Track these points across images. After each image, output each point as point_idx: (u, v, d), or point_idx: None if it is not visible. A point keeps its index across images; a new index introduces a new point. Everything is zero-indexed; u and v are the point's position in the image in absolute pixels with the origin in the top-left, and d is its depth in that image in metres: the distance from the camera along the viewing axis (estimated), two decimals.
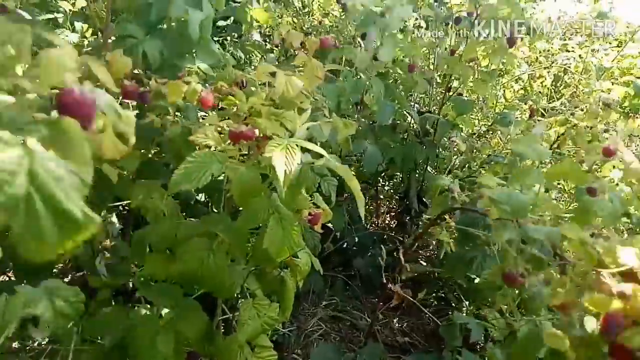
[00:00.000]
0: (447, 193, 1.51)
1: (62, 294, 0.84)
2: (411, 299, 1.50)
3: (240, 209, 0.95)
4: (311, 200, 1.14)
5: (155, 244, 1.03)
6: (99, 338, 1.29)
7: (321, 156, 0.89)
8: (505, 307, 1.56)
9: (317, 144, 0.91)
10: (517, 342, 1.25)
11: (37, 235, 0.34)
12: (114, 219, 1.27)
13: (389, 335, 2.02)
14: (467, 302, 1.99)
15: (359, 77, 1.75)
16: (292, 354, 1.82)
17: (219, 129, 0.98)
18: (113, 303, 1.32)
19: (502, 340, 1.48)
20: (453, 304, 2.08)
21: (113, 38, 1.53)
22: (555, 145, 2.19)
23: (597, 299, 0.65)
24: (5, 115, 0.39)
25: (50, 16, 1.53)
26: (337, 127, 1.02)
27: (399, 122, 2.09)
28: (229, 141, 0.96)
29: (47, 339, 1.50)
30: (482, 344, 1.72)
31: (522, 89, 2.98)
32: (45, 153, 0.36)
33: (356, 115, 1.91)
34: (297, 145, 0.85)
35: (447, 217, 1.64)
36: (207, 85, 0.98)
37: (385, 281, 1.60)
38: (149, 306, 1.16)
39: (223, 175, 1.09)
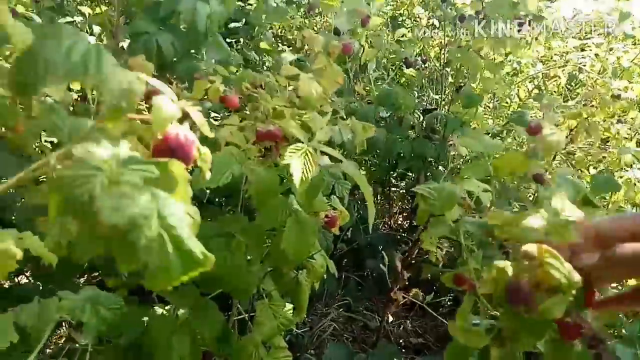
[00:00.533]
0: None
1: (104, 302, 0.86)
2: (417, 301, 1.50)
3: (257, 210, 0.95)
4: (328, 202, 1.14)
5: None
6: (116, 337, 1.31)
7: (339, 161, 0.90)
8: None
9: (335, 147, 0.91)
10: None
11: (165, 271, 0.37)
12: None
13: (402, 335, 2.01)
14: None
15: None
16: (305, 354, 1.82)
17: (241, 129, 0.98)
18: (129, 303, 1.33)
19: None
20: None
21: (126, 40, 1.54)
22: (569, 139, 2.17)
23: (499, 266, 0.58)
24: (121, 156, 0.40)
25: (70, 19, 1.55)
26: (356, 130, 1.02)
27: (403, 115, 2.08)
28: (251, 141, 0.96)
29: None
30: None
31: (536, 87, 2.95)
32: (167, 196, 0.38)
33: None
34: (315, 151, 0.85)
35: None
36: (230, 86, 0.98)
37: (390, 286, 1.61)
38: (164, 306, 1.17)
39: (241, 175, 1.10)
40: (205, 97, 0.97)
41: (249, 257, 1.11)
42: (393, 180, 2.77)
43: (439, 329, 2.06)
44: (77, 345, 1.28)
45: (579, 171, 2.30)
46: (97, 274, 1.66)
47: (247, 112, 0.99)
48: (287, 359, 1.21)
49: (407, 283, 1.69)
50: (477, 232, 0.79)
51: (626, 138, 2.37)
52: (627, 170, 2.14)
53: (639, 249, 0.46)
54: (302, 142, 0.83)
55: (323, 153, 0.92)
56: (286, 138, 0.93)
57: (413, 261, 1.65)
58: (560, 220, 0.55)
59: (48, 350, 1.52)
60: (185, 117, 0.49)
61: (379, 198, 2.77)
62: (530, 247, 0.53)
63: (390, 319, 1.72)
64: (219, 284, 0.96)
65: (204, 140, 1.07)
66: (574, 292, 0.50)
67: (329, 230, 1.13)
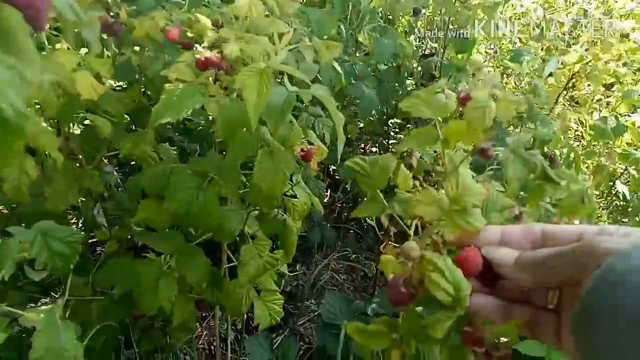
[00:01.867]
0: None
1: (57, 235, 0.84)
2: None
3: (226, 145, 0.92)
4: (304, 137, 1.10)
5: (148, 188, 1.01)
6: (109, 289, 1.32)
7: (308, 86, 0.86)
8: None
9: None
10: None
11: None
12: (109, 168, 1.26)
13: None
14: None
15: None
16: (305, 303, 1.83)
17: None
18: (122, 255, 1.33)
19: None
20: None
21: None
22: (569, 85, 2.09)
23: (383, 258, 0.50)
24: None
25: None
26: (320, 51, 0.97)
27: (402, 63, 2.01)
28: (206, 76, 0.92)
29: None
30: None
31: (537, 26, 2.84)
32: None
33: (354, 58, 1.84)
34: (274, 71, 0.80)
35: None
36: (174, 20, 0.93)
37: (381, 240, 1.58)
38: (156, 256, 1.17)
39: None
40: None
41: (229, 200, 1.10)
42: (392, 133, 2.72)
43: None
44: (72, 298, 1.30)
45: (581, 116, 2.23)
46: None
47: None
48: (279, 301, 1.21)
49: (392, 237, 1.67)
50: (403, 211, 0.64)
51: (631, 83, 2.28)
52: (629, 116, 2.06)
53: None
54: (259, 64, 0.79)
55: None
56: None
57: None
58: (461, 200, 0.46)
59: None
60: None
61: (379, 150, 2.73)
62: (410, 246, 0.45)
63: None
64: (193, 223, 0.94)
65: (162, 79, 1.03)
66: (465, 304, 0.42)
67: (307, 164, 1.10)
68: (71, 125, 1.22)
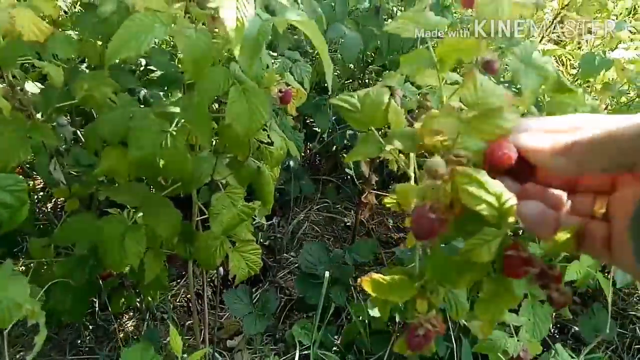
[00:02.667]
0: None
1: (1, 183, 0.75)
2: (388, 202, 1.42)
3: (195, 83, 0.82)
4: (281, 79, 1.01)
5: (108, 136, 0.91)
6: (73, 250, 1.23)
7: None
8: None
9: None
10: None
11: None
12: (63, 120, 1.14)
13: (384, 232, 1.98)
14: None
15: None
16: (284, 255, 1.79)
17: None
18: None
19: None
20: None
21: None
22: (557, 19, 2.02)
23: (400, 187, 0.44)
24: None
25: None
26: None
27: (380, 5, 1.88)
28: (177, 6, 0.81)
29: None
30: None
31: None
32: None
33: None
34: None
35: None
36: None
37: (361, 190, 1.53)
38: (119, 211, 1.08)
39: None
40: None
41: (199, 146, 1.01)
42: (370, 81, 2.62)
43: None
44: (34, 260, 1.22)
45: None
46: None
47: None
48: (256, 251, 1.14)
49: (374, 187, 1.62)
50: (407, 145, 0.54)
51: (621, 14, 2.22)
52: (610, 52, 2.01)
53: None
54: None
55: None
56: None
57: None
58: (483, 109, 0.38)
59: None
60: None
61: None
62: (436, 163, 0.37)
63: (365, 216, 1.65)
64: (161, 171, 0.85)
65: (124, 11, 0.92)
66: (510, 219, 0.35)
67: (284, 107, 1.01)
68: (19, 75, 1.09)
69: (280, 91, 0.95)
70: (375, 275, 0.52)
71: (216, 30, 0.82)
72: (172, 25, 0.76)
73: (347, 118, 0.60)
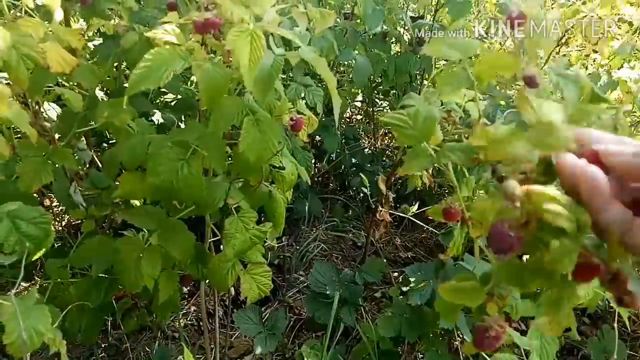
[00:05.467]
0: None
1: (26, 216, 0.78)
2: (406, 215, 1.44)
3: (210, 113, 0.86)
4: (293, 107, 1.05)
5: (127, 162, 0.95)
6: (89, 270, 1.26)
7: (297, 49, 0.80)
8: None
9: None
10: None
11: None
12: (83, 145, 1.19)
13: (392, 251, 2.00)
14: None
15: None
16: (293, 275, 1.80)
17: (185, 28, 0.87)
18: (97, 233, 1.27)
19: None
20: None
21: None
22: (563, 41, 2.05)
23: (480, 204, 0.44)
24: None
25: None
26: (314, 19, 0.91)
27: (388, 30, 1.93)
28: (195, 40, 0.86)
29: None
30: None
31: None
32: None
33: (344, 24, 1.76)
34: (266, 34, 0.75)
35: None
36: None
37: (374, 207, 1.55)
38: (136, 233, 1.11)
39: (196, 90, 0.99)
40: None
41: (213, 170, 1.04)
42: (377, 101, 2.66)
43: (429, 242, 2.04)
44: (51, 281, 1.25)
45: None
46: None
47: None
48: (267, 274, 1.17)
49: (392, 203, 1.64)
50: (462, 159, 0.61)
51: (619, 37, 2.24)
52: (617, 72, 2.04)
53: None
54: (248, 24, 0.73)
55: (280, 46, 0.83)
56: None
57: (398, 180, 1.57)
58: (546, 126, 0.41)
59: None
60: None
61: (364, 118, 2.68)
62: (512, 186, 0.40)
63: (377, 236, 1.68)
64: (178, 197, 0.88)
65: (146, 45, 0.97)
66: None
67: (299, 140, 1.05)
68: (41, 100, 1.14)
69: (292, 119, 0.98)
70: (451, 284, 0.56)
71: (232, 60, 0.86)
72: (190, 57, 0.80)
73: (400, 134, 0.63)
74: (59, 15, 0.80)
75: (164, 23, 0.85)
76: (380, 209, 1.58)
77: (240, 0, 0.82)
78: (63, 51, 0.85)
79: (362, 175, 1.72)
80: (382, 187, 1.59)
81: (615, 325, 1.12)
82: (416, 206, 1.62)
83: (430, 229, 1.89)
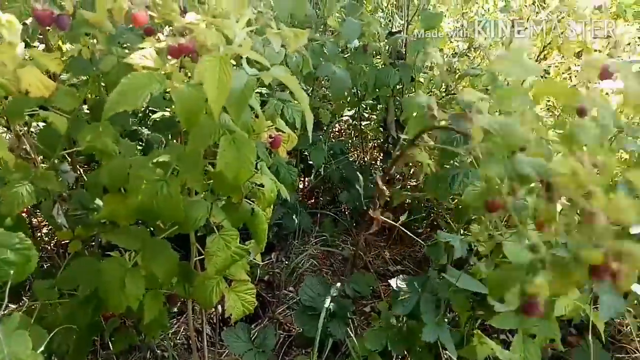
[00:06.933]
0: (423, 112, 1.44)
1: (7, 243, 0.79)
2: (392, 222, 1.45)
3: (187, 133, 0.88)
4: (272, 125, 1.07)
5: (108, 183, 0.97)
6: (77, 290, 1.27)
7: (267, 68, 0.82)
8: (490, 221, 1.53)
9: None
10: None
11: None
12: (66, 167, 1.20)
13: (381, 265, 2.01)
14: (453, 225, 1.96)
15: None
16: (283, 291, 1.81)
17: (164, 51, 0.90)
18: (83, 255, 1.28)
19: (488, 254, 1.46)
20: (443, 229, 2.06)
21: None
22: (541, 57, 2.09)
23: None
24: None
25: None
26: (287, 38, 0.94)
27: (368, 43, 1.97)
28: (172, 63, 0.88)
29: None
30: (466, 261, 1.70)
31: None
32: None
33: (323, 38, 1.79)
34: (237, 56, 0.78)
35: (425, 137, 1.57)
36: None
37: (365, 208, 1.56)
38: (120, 254, 1.12)
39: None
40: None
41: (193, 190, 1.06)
42: (365, 114, 2.69)
43: (417, 255, 2.05)
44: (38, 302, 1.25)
45: None
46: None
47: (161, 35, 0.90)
48: (251, 291, 1.18)
49: (388, 199, 1.63)
50: (532, 175, 0.73)
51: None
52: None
53: None
54: (218, 50, 0.75)
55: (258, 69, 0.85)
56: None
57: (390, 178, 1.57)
58: None
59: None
60: None
61: (351, 132, 2.71)
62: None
63: (376, 230, 1.67)
64: (159, 216, 0.90)
65: (125, 67, 0.99)
66: None
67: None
68: (24, 124, 1.16)
69: (270, 137, 1.00)
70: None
71: None
72: (167, 80, 0.83)
73: (490, 142, 0.74)
74: (20, 50, 0.82)
75: (142, 48, 0.87)
76: (377, 202, 1.56)
77: (214, 24, 0.85)
78: (42, 76, 0.87)
79: (359, 174, 1.72)
80: (380, 182, 1.58)
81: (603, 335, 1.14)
82: (406, 214, 1.63)
83: (420, 242, 1.90)
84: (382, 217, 1.47)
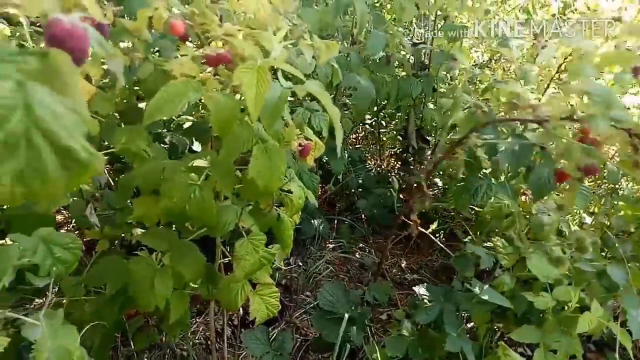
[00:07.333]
0: (471, 110, 1.46)
1: (59, 241, 0.83)
2: (425, 231, 1.46)
3: (221, 140, 0.91)
4: (301, 133, 1.10)
5: (142, 186, 1.00)
6: (103, 288, 1.30)
7: (302, 81, 0.85)
8: (513, 234, 1.54)
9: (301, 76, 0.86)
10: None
11: (41, 173, 0.33)
12: None
13: (398, 273, 2.02)
14: (473, 236, 1.97)
15: None
16: (300, 296, 1.83)
17: (198, 59, 0.93)
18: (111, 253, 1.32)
19: (511, 267, 1.46)
20: (461, 239, 2.07)
21: None
22: (562, 68, 2.10)
23: None
24: None
25: None
26: (319, 49, 0.96)
27: (392, 54, 1.99)
28: (208, 71, 0.91)
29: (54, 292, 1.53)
30: (490, 274, 1.71)
31: (524, 11, 2.84)
32: (40, 87, 0.34)
33: (348, 49, 1.82)
34: (273, 69, 0.80)
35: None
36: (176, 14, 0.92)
37: (397, 213, 1.56)
38: (148, 253, 1.15)
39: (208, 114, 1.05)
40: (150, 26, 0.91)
41: (223, 196, 1.09)
42: (383, 123, 2.71)
43: (434, 264, 2.06)
44: (65, 298, 1.29)
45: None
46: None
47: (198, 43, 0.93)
48: (275, 294, 1.20)
49: (426, 205, 1.64)
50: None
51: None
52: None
53: None
54: (255, 60, 0.78)
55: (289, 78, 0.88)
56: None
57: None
58: None
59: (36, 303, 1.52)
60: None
61: (369, 140, 2.73)
62: None
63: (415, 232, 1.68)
64: (190, 219, 0.93)
65: (161, 75, 1.02)
66: None
67: (306, 162, 1.09)
68: None
69: (300, 145, 1.03)
70: None
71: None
72: (202, 89, 0.85)
73: (591, 101, 0.89)
74: (121, 79, 0.86)
75: (180, 55, 0.91)
76: (414, 206, 1.55)
77: (251, 35, 0.88)
78: (83, 81, 0.91)
79: (394, 178, 1.74)
80: (424, 185, 1.58)
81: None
82: (435, 223, 1.64)
83: (436, 252, 1.91)
84: (418, 222, 1.48)
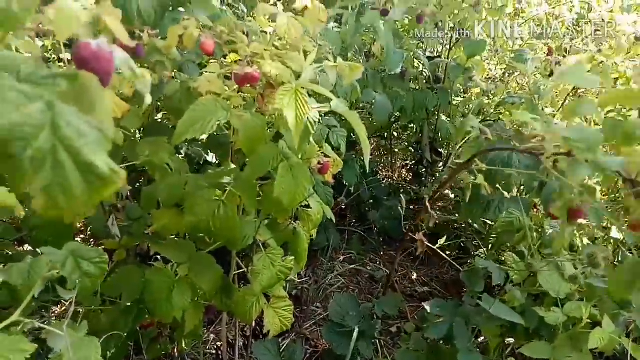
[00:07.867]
0: (475, 135, 1.47)
1: (87, 255, 0.84)
2: (433, 246, 1.47)
3: (247, 158, 0.92)
4: (320, 150, 1.11)
5: (164, 199, 1.01)
6: (119, 298, 1.31)
7: (329, 101, 0.86)
8: (524, 249, 1.54)
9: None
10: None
11: (65, 189, 0.34)
12: None
13: (408, 285, 2.02)
14: (484, 249, 1.97)
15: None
16: (311, 307, 1.83)
17: (222, 76, 0.94)
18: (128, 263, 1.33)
19: (522, 282, 1.46)
20: (472, 252, 2.07)
21: None
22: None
23: None
24: (24, 69, 0.38)
25: None
26: (343, 71, 0.97)
27: (407, 69, 2.00)
28: (232, 88, 0.93)
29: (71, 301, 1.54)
30: (501, 289, 1.71)
31: (538, 25, 2.84)
32: (67, 107, 0.36)
33: (364, 64, 1.84)
34: (305, 92, 0.81)
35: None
36: (206, 31, 0.93)
37: (405, 230, 1.57)
38: (163, 264, 1.17)
39: (227, 127, 1.06)
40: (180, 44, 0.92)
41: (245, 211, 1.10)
42: (395, 134, 2.72)
43: (444, 277, 2.06)
44: (82, 308, 1.30)
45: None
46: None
47: (226, 60, 0.95)
48: (289, 308, 1.21)
49: (437, 221, 1.64)
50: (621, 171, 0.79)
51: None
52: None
53: None
54: (290, 83, 0.79)
55: (310, 95, 0.89)
56: (271, 85, 0.90)
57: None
58: None
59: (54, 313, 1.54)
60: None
61: (381, 152, 2.73)
62: None
63: (398, 268, 1.70)
64: (213, 235, 0.94)
65: (186, 92, 1.03)
66: None
67: (326, 183, 1.11)
68: None
69: (319, 163, 1.04)
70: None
71: (267, 107, 0.93)
72: (230, 107, 0.87)
73: (571, 147, 0.82)
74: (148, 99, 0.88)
75: (208, 72, 0.92)
76: (418, 232, 1.56)
77: (278, 55, 0.89)
78: (117, 98, 0.93)
79: (402, 196, 1.75)
80: (429, 207, 1.58)
81: None
82: (444, 238, 1.64)
83: (451, 263, 1.91)
84: (426, 241, 1.48)
